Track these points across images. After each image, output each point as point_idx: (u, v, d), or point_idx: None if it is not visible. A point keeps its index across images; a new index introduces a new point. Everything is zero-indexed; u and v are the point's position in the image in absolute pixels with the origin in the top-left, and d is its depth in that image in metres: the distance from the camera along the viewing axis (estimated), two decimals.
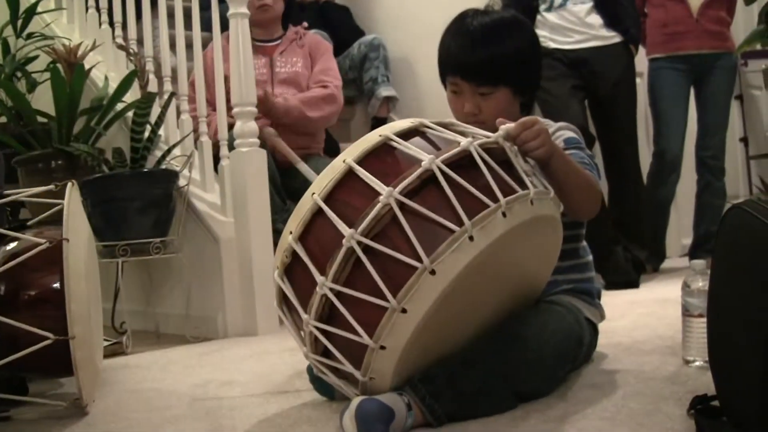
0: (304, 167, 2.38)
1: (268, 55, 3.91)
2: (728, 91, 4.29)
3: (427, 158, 1.50)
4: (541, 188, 1.60)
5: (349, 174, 1.54)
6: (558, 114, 2.18)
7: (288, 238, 1.57)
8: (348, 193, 1.53)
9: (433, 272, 1.43)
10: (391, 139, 1.57)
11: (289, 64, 3.92)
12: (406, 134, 1.60)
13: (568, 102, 3.75)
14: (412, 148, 1.55)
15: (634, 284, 3.74)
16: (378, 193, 1.48)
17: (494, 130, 1.65)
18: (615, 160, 3.86)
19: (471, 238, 1.45)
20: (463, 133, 1.62)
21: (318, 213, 1.54)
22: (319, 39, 4.12)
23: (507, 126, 1.65)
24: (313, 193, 1.55)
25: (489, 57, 1.93)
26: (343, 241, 1.47)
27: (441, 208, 1.47)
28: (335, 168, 1.55)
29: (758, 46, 3.86)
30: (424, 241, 1.44)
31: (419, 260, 1.44)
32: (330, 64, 4.03)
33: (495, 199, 1.49)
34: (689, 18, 4.12)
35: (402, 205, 1.47)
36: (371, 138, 1.58)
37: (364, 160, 1.55)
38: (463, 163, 1.53)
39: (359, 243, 1.46)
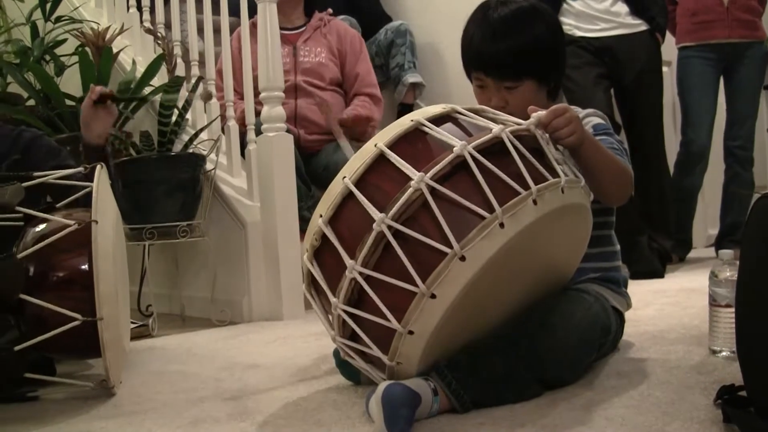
0: (345, 144, 2.39)
1: (291, 44, 3.90)
2: (758, 80, 4.25)
3: (458, 144, 1.50)
4: (572, 176, 1.60)
5: (381, 158, 1.54)
6: (583, 102, 2.17)
7: (318, 221, 1.57)
8: (379, 177, 1.53)
9: (462, 258, 1.43)
10: (423, 125, 1.57)
11: (313, 53, 3.91)
12: (438, 120, 1.59)
13: (593, 90, 3.73)
14: (444, 133, 1.55)
15: (658, 274, 3.72)
16: (409, 178, 1.48)
17: (524, 119, 1.65)
18: (640, 149, 3.83)
19: (501, 225, 1.45)
20: (494, 120, 1.62)
21: (348, 197, 1.54)
22: (351, 32, 4.10)
23: (538, 113, 1.65)
24: (344, 177, 1.55)
25: (510, 51, 1.92)
26: (374, 225, 1.47)
27: (472, 195, 1.47)
28: (366, 152, 1.55)
29: None
30: (454, 226, 1.44)
31: (449, 246, 1.44)
32: (369, 66, 4.08)
33: (526, 187, 1.49)
34: (720, 6, 4.09)
35: (433, 191, 1.46)
36: (403, 123, 1.58)
37: (396, 145, 1.54)
38: (494, 149, 1.52)
39: (389, 227, 1.46)
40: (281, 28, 3.72)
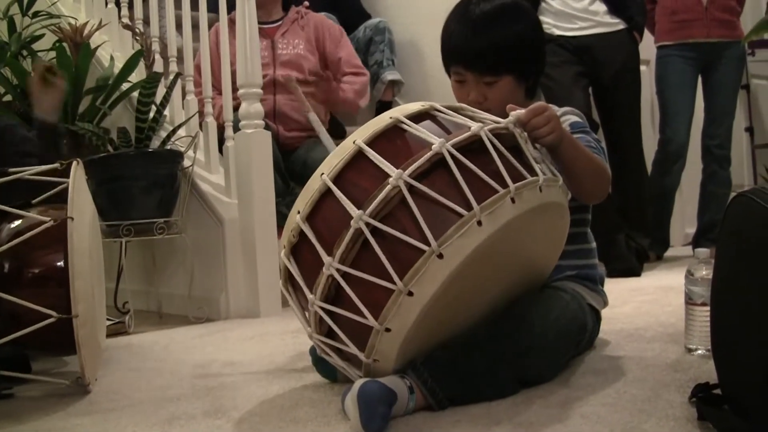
0: (313, 117, 2.38)
1: (270, 37, 3.90)
2: (736, 80, 4.29)
3: (437, 141, 1.49)
4: (550, 175, 1.60)
5: (359, 155, 1.53)
6: (561, 101, 2.17)
7: (296, 217, 1.57)
8: (357, 174, 1.53)
9: (440, 256, 1.43)
10: (402, 122, 1.57)
11: (291, 45, 3.91)
12: (417, 117, 1.59)
13: (571, 89, 3.74)
14: (423, 131, 1.54)
15: (635, 272, 3.73)
16: (387, 175, 1.48)
17: (502, 116, 1.65)
18: (618, 147, 3.85)
19: (479, 222, 1.45)
20: (473, 118, 1.62)
21: (326, 193, 1.54)
22: (329, 22, 4.11)
23: (517, 112, 1.65)
24: (322, 174, 1.54)
25: (490, 46, 1.92)
26: (351, 222, 1.47)
27: (450, 192, 1.47)
28: (345, 149, 1.55)
29: (765, 36, 3.85)
30: (432, 224, 1.44)
31: (427, 243, 1.43)
32: (351, 49, 4.08)
33: (504, 185, 1.49)
34: (699, 6, 4.11)
35: (411, 188, 1.46)
36: (382, 120, 1.58)
37: (374, 142, 1.54)
38: (473, 147, 1.52)
39: (367, 224, 1.46)
40: (260, 23, 3.72)
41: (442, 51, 2.03)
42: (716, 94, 4.22)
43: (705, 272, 1.90)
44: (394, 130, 1.57)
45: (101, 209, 2.95)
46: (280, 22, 3.98)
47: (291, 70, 3.85)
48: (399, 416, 1.55)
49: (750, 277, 1.31)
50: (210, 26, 3.58)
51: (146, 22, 3.79)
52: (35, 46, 3.95)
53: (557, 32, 3.81)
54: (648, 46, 4.29)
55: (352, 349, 1.56)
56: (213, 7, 3.55)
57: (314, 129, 3.03)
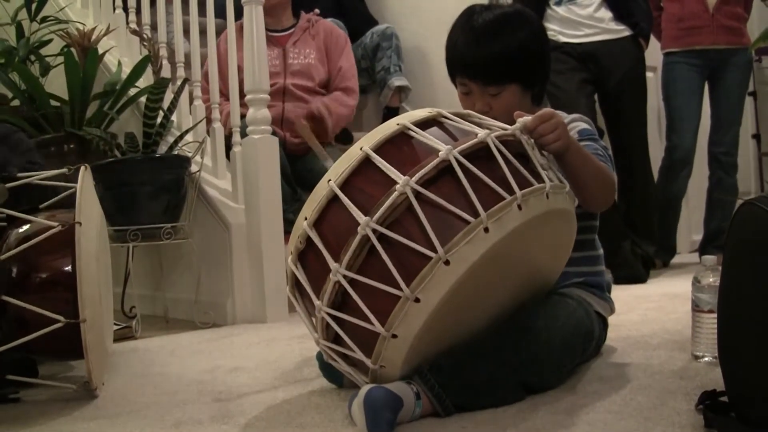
0: (328, 161, 2.39)
1: (281, 46, 3.91)
2: (743, 87, 4.28)
3: (444, 148, 1.50)
4: (556, 182, 1.60)
5: (366, 162, 1.54)
6: (567, 108, 2.18)
7: (303, 223, 1.57)
8: (364, 180, 1.53)
9: (447, 262, 1.43)
10: (409, 129, 1.57)
11: (302, 55, 3.92)
12: (424, 124, 1.59)
13: (576, 96, 3.74)
14: (430, 137, 1.55)
15: (641, 279, 3.73)
16: (394, 182, 1.48)
17: (509, 123, 1.65)
18: (624, 154, 3.85)
19: (486, 229, 1.45)
20: (480, 125, 1.62)
21: (333, 200, 1.54)
22: (337, 30, 4.11)
23: (524, 119, 1.65)
24: (329, 180, 1.55)
25: (493, 55, 1.92)
26: (358, 228, 1.47)
27: (457, 199, 1.47)
28: (352, 155, 1.55)
29: None
30: (439, 231, 1.44)
31: (434, 250, 1.44)
32: (352, 61, 4.08)
33: (511, 192, 1.49)
34: (705, 13, 4.11)
35: (418, 195, 1.46)
36: (389, 126, 1.58)
37: (381, 149, 1.54)
38: (480, 154, 1.52)
39: (374, 231, 1.46)
40: (270, 30, 3.73)
41: (447, 61, 2.03)
42: (723, 101, 4.22)
43: (712, 279, 1.90)
44: (401, 136, 1.57)
45: (108, 214, 2.95)
46: (291, 30, 3.98)
47: (301, 79, 3.86)
48: (405, 422, 1.55)
49: (757, 284, 1.31)
50: (218, 32, 3.59)
51: (154, 27, 3.80)
52: (43, 51, 3.97)
53: (563, 39, 3.81)
54: (654, 53, 4.29)
55: (359, 355, 1.56)
56: (221, 12, 3.55)
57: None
